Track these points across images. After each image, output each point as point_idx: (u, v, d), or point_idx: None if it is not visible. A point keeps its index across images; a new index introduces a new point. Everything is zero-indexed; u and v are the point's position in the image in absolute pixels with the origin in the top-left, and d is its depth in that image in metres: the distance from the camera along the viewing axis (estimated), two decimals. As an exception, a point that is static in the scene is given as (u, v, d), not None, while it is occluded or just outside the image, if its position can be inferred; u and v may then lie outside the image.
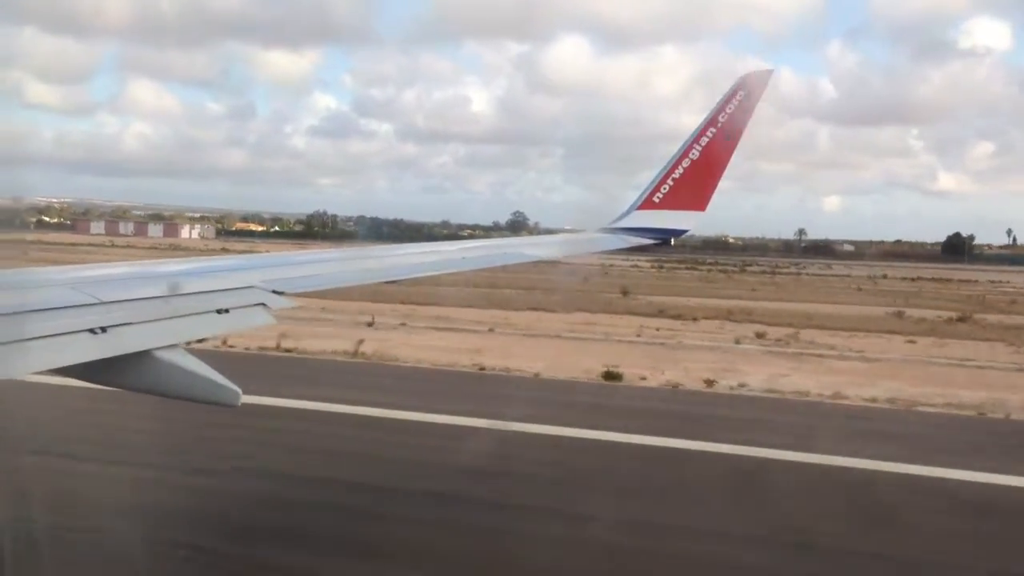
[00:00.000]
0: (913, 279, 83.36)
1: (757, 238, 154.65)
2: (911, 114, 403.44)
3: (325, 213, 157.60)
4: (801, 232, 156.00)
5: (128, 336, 4.37)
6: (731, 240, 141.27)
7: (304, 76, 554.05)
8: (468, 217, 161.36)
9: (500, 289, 43.55)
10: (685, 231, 10.36)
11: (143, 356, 4.33)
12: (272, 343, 22.08)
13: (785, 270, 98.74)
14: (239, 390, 4.45)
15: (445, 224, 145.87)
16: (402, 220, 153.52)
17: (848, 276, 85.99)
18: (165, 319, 4.76)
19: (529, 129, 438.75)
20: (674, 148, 10.19)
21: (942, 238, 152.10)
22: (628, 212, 10.38)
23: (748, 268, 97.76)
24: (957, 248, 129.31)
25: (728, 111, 9.79)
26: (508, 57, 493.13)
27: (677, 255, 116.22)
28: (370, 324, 27.72)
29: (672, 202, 10.03)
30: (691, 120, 10.24)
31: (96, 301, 4.58)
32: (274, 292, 5.63)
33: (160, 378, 4.36)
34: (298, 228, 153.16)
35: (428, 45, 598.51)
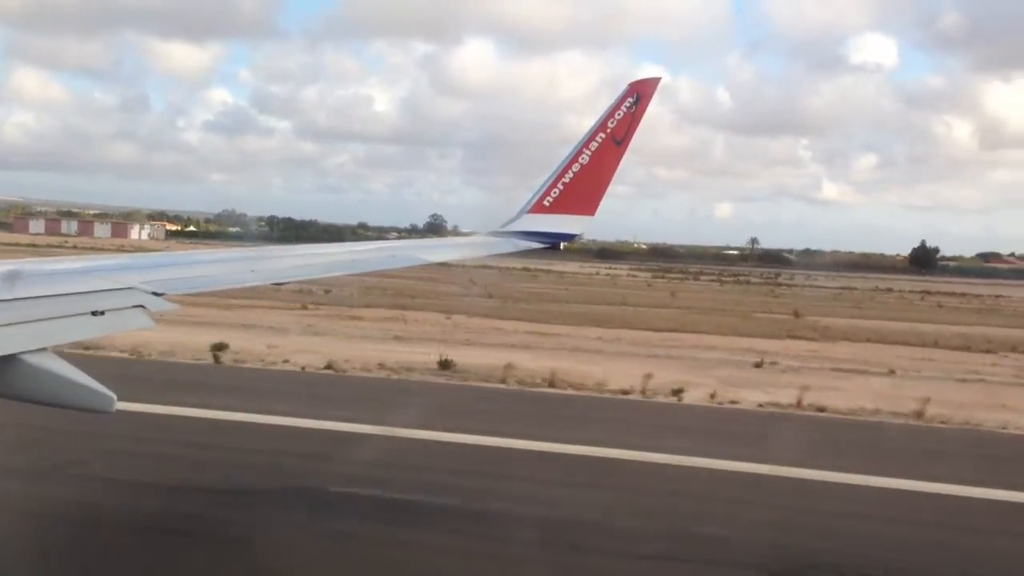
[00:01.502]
0: (922, 292, 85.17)
1: (662, 243, 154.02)
2: (802, 125, 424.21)
3: (234, 211, 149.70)
4: (754, 241, 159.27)
5: None
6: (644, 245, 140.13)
7: (203, 70, 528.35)
8: (364, 217, 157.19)
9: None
10: (575, 236, 10.30)
11: (10, 361, 4.09)
12: (784, 399, 19.04)
13: (786, 282, 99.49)
14: (113, 395, 4.20)
15: (363, 226, 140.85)
16: (315, 221, 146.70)
17: (855, 289, 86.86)
18: (34, 321, 4.48)
19: (431, 130, 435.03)
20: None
21: (829, 246, 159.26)
22: (519, 216, 10.23)
23: (742, 279, 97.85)
24: (923, 260, 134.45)
25: (617, 117, 9.72)
26: (414, 58, 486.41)
27: (647, 263, 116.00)
28: (758, 365, 24.74)
29: (562, 206, 9.96)
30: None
31: None
32: (154, 294, 5.41)
33: (29, 384, 4.11)
34: (213, 228, 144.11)
35: (334, 42, 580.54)
